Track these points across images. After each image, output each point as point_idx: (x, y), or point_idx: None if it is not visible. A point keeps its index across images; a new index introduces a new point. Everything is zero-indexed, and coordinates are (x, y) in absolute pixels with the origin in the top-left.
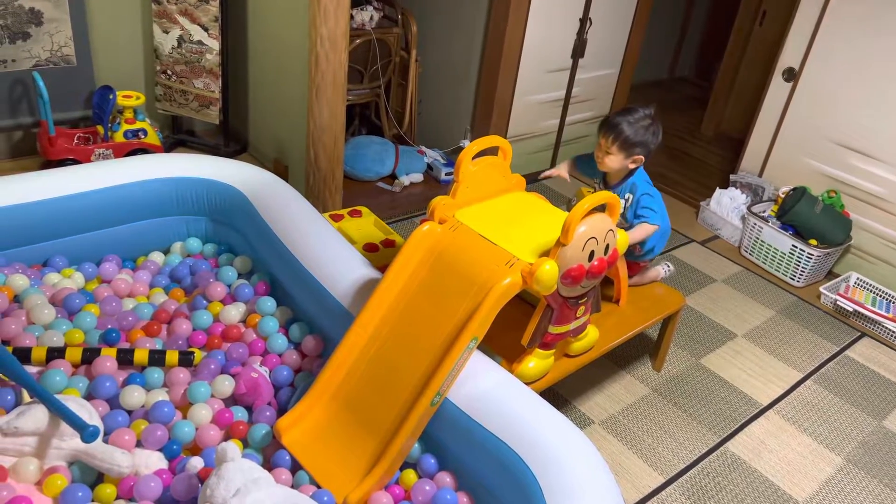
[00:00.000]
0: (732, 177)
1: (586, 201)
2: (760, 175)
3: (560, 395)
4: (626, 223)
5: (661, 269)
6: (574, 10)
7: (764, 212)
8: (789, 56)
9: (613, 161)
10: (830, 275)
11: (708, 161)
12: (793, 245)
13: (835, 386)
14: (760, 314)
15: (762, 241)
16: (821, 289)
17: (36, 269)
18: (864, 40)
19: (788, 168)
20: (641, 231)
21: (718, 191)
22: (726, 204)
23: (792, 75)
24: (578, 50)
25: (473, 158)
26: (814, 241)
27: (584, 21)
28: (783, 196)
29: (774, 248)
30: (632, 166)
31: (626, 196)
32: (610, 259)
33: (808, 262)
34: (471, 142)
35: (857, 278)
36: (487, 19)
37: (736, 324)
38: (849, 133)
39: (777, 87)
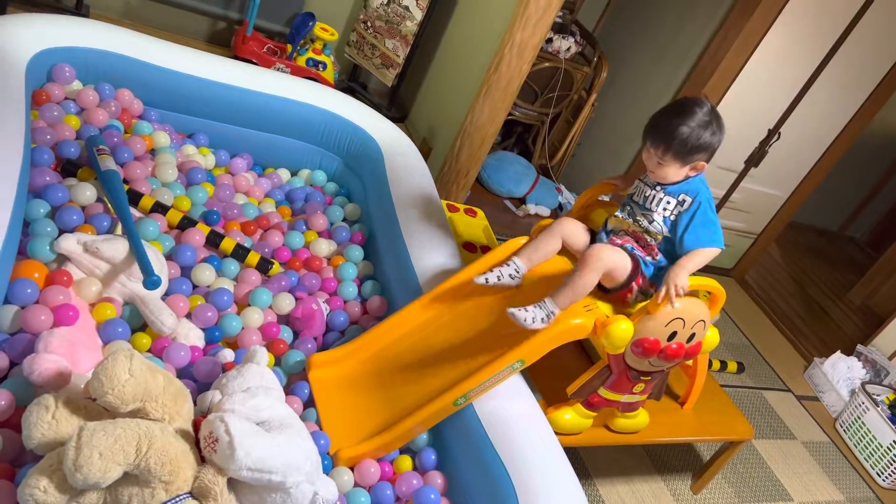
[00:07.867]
0: (860, 347)
1: (694, 281)
2: (891, 359)
3: (584, 463)
4: (665, 233)
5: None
6: (767, 117)
7: (878, 395)
8: None
9: (669, 172)
10: None
11: (842, 326)
12: (895, 440)
13: None
14: (828, 493)
15: (863, 423)
16: None
17: (181, 136)
18: None
19: None
20: (703, 258)
21: (839, 354)
22: (841, 371)
23: None
24: (755, 159)
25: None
26: None
27: (773, 133)
28: None
29: (872, 436)
30: (692, 174)
31: (681, 197)
32: (689, 350)
33: None
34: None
35: None
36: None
37: (798, 489)
38: None
39: None
